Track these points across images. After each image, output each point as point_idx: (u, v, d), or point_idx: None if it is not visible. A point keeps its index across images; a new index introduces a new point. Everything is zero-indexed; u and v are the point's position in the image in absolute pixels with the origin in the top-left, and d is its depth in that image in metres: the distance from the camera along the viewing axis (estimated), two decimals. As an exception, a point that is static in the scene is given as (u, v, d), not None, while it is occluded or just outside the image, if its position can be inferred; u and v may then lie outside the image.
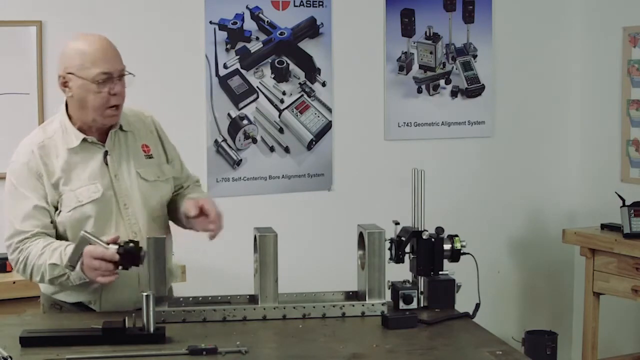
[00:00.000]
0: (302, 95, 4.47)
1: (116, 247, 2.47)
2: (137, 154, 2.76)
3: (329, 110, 4.51)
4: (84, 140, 2.68)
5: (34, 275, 2.62)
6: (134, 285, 2.69)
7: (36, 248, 2.59)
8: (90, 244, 2.48)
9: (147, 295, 2.33)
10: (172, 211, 2.84)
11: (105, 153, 2.70)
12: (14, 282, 3.48)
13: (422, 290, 2.67)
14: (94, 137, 2.70)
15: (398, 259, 2.69)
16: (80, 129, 2.69)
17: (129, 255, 2.48)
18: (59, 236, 2.66)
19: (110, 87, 2.62)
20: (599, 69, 4.92)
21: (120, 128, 2.75)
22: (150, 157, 2.79)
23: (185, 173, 2.95)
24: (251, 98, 4.35)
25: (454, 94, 4.78)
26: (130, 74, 2.69)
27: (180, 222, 2.83)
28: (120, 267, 2.49)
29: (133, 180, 2.72)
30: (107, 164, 2.70)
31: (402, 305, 2.62)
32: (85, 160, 2.68)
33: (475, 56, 4.81)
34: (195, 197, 2.76)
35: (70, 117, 2.70)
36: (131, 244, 2.49)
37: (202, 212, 2.67)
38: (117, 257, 2.47)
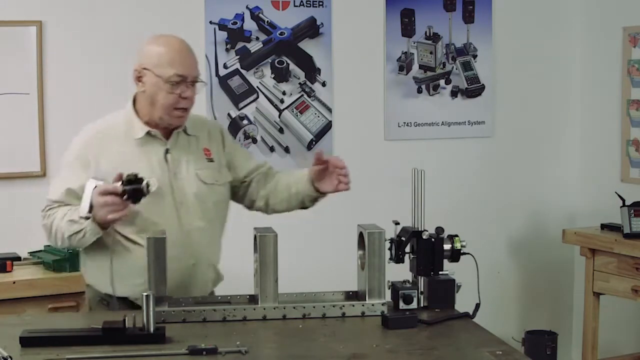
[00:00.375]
0: (302, 95, 4.47)
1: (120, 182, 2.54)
2: (198, 156, 2.82)
3: (329, 110, 4.51)
4: (148, 133, 2.74)
5: (57, 237, 2.69)
6: (184, 281, 2.73)
7: (61, 212, 2.68)
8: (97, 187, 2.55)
9: (147, 296, 2.33)
10: (271, 197, 2.93)
11: (167, 150, 2.76)
12: (14, 282, 3.49)
13: (422, 290, 2.67)
14: (159, 132, 2.76)
15: (398, 259, 2.69)
16: (146, 124, 2.75)
17: (132, 185, 2.53)
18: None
19: (182, 90, 2.68)
20: (599, 69, 4.91)
21: (185, 132, 2.80)
22: (211, 160, 2.85)
23: (259, 162, 3.00)
24: (251, 98, 4.35)
25: (454, 94, 4.78)
26: (202, 82, 2.75)
27: (288, 201, 2.91)
28: (128, 200, 2.53)
29: (191, 181, 2.77)
30: (166, 161, 2.75)
31: (402, 305, 2.62)
32: (146, 153, 2.74)
33: (475, 56, 4.81)
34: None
35: (137, 112, 2.77)
36: (137, 176, 2.54)
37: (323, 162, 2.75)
38: (120, 188, 2.52)
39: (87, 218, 2.58)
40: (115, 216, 2.54)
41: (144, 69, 2.70)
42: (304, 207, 2.94)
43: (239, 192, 2.97)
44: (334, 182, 2.77)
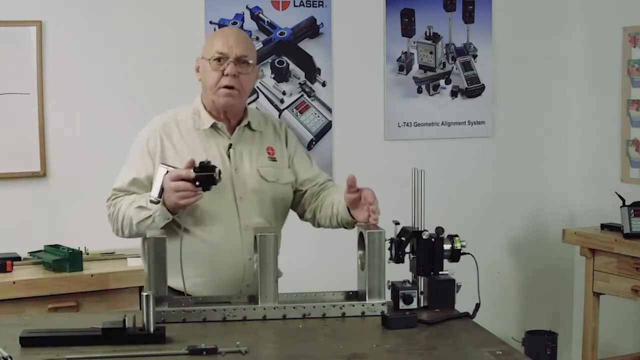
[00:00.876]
0: (302, 95, 4.47)
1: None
2: (261, 153, 2.86)
3: (329, 110, 4.51)
4: (214, 126, 2.80)
5: (124, 225, 2.73)
6: (238, 275, 2.76)
7: (127, 200, 2.74)
8: (168, 173, 2.59)
9: (147, 295, 2.33)
10: (318, 210, 2.93)
11: (230, 145, 2.81)
12: (14, 282, 3.48)
13: (422, 290, 2.67)
14: (223, 126, 2.82)
15: (398, 259, 2.68)
16: (212, 117, 2.82)
17: (204, 171, 2.56)
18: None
19: (225, 67, 2.74)
20: (599, 69, 4.92)
21: (250, 127, 2.85)
22: (273, 159, 2.88)
23: (317, 172, 3.00)
24: (251, 98, 4.35)
25: (454, 94, 4.78)
26: (248, 62, 2.77)
27: (331, 219, 2.89)
28: (199, 187, 2.56)
29: (253, 177, 2.81)
30: (229, 156, 2.79)
31: (402, 305, 2.62)
32: (209, 146, 2.80)
33: (475, 56, 4.81)
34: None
35: (204, 106, 2.84)
36: (209, 163, 2.58)
37: (355, 191, 2.72)
38: (192, 174, 2.55)
39: (157, 202, 2.62)
40: (187, 202, 2.57)
41: (200, 58, 2.83)
42: (345, 228, 2.91)
43: (294, 198, 2.98)
44: (365, 214, 2.73)
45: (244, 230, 2.77)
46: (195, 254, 2.71)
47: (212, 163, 2.64)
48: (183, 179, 2.56)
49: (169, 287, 2.71)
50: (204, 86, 2.83)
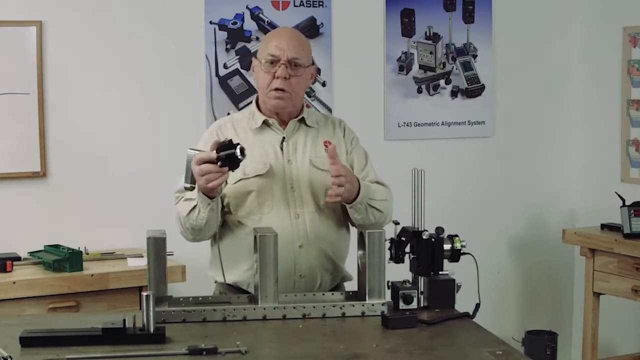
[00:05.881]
0: (302, 95, 4.47)
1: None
2: (315, 146, 2.86)
3: (329, 110, 4.51)
4: (265, 122, 2.83)
5: (181, 222, 2.75)
6: (290, 267, 2.75)
7: (181, 199, 2.77)
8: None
9: (147, 295, 2.33)
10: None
11: (283, 139, 2.83)
12: (14, 282, 3.48)
13: (422, 290, 2.67)
14: (276, 121, 2.84)
15: (398, 259, 2.69)
16: (264, 115, 2.85)
17: (225, 150, 2.55)
18: (222, 208, 2.77)
19: (276, 69, 2.76)
20: (599, 69, 4.92)
21: (305, 123, 2.87)
22: None
23: (366, 174, 2.93)
24: (251, 98, 4.34)
25: (454, 94, 4.78)
26: (302, 66, 2.78)
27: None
28: (224, 166, 2.55)
29: (305, 166, 2.82)
30: (282, 149, 2.82)
31: (402, 305, 2.62)
32: (262, 141, 2.83)
33: (475, 56, 4.81)
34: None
35: (258, 106, 2.88)
36: (229, 141, 2.58)
37: (333, 160, 2.69)
38: (214, 155, 2.55)
39: (191, 188, 2.65)
40: (214, 184, 2.57)
41: (254, 58, 2.87)
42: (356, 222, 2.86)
43: None
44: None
45: (295, 218, 2.77)
46: (249, 247, 2.70)
47: (265, 157, 2.71)
48: (206, 162, 2.56)
49: (226, 284, 2.78)
50: (257, 87, 2.88)
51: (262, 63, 2.79)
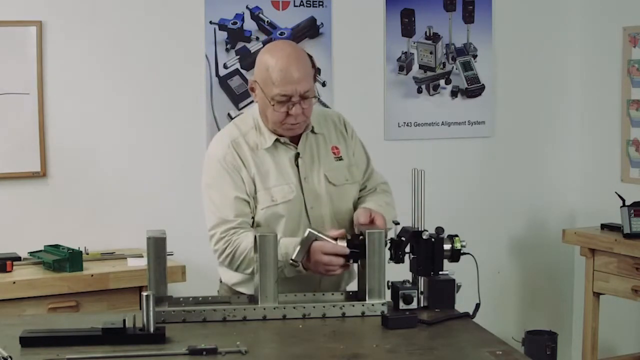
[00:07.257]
0: (302, 95, 4.46)
1: (345, 242, 2.58)
2: (327, 156, 2.81)
3: (329, 110, 4.51)
4: (277, 141, 2.74)
5: (242, 266, 2.69)
6: (310, 286, 2.75)
7: (247, 240, 2.65)
8: (316, 240, 2.57)
9: (147, 296, 2.33)
10: None
11: (297, 155, 2.76)
12: (14, 282, 3.48)
13: (422, 290, 2.67)
14: (287, 138, 2.75)
15: (398, 259, 2.68)
16: (273, 130, 2.74)
17: (355, 247, 2.57)
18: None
19: (289, 107, 2.65)
20: (599, 69, 4.92)
21: (312, 130, 2.80)
22: (340, 159, 2.84)
23: (369, 175, 2.94)
24: (251, 98, 4.35)
25: (454, 94, 4.78)
26: (314, 97, 2.69)
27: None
28: (349, 260, 2.58)
29: (321, 184, 2.78)
30: (297, 166, 2.76)
31: (402, 305, 2.62)
32: (277, 160, 2.75)
33: (475, 56, 4.81)
34: (370, 208, 2.75)
35: (263, 120, 2.76)
36: (360, 237, 2.58)
37: (372, 222, 2.68)
38: (348, 251, 2.56)
39: (297, 265, 2.60)
40: (334, 273, 2.61)
41: (255, 81, 2.71)
42: None
43: None
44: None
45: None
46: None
47: (281, 177, 2.67)
48: (338, 255, 2.56)
49: (249, 294, 2.73)
50: (264, 115, 2.72)
51: (274, 103, 2.64)
